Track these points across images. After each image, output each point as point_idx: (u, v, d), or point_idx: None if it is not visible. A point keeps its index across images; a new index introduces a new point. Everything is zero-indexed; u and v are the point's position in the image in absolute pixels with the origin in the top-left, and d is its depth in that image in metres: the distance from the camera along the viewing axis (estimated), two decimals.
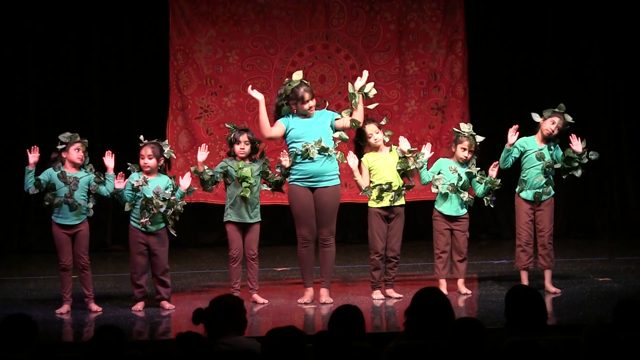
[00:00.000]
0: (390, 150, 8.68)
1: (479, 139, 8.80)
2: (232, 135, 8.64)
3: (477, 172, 8.78)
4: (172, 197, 8.31)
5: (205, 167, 8.55)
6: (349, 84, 8.62)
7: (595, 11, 13.00)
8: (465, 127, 8.81)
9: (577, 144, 8.66)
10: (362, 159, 8.67)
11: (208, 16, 12.60)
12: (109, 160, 8.42)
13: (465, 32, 12.79)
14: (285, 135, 8.44)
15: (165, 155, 8.46)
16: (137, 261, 8.35)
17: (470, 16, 12.84)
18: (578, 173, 8.74)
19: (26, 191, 8.25)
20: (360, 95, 8.47)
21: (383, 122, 8.77)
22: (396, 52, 12.78)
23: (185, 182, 8.42)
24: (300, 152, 8.32)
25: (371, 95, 8.53)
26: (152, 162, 8.36)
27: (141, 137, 8.45)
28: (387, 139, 8.71)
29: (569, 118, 8.75)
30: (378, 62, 12.76)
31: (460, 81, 12.79)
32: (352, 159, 8.61)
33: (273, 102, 8.55)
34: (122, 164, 8.48)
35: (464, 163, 8.78)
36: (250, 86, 8.66)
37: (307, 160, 8.31)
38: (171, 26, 12.54)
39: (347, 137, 8.53)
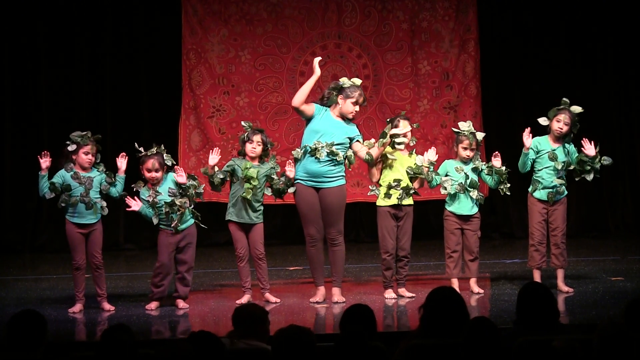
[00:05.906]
0: (410, 154, 8.66)
1: (480, 136, 8.79)
2: (246, 134, 8.64)
3: (483, 165, 8.76)
4: (181, 190, 8.33)
5: (216, 169, 8.56)
6: (388, 124, 8.54)
7: (609, 9, 12.96)
8: (465, 126, 8.78)
9: (589, 148, 8.61)
10: None
11: (220, 15, 12.61)
12: (122, 161, 8.44)
13: (478, 31, 12.77)
14: (308, 120, 8.44)
15: (167, 164, 8.44)
16: (166, 262, 8.35)
17: (482, 15, 12.82)
18: (589, 177, 8.68)
19: (42, 196, 8.25)
20: (389, 139, 8.45)
21: (414, 126, 8.76)
22: (408, 51, 12.77)
23: (180, 179, 8.36)
24: (310, 150, 8.33)
25: (398, 148, 8.49)
26: (159, 174, 8.34)
27: (142, 147, 8.38)
28: (412, 143, 8.68)
29: (577, 109, 8.70)
30: (390, 61, 12.75)
31: (473, 80, 12.76)
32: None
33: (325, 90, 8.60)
34: (134, 162, 8.48)
35: (468, 161, 8.77)
36: (320, 58, 8.58)
37: (312, 158, 8.33)
38: (183, 25, 12.55)
39: (354, 162, 8.54)
